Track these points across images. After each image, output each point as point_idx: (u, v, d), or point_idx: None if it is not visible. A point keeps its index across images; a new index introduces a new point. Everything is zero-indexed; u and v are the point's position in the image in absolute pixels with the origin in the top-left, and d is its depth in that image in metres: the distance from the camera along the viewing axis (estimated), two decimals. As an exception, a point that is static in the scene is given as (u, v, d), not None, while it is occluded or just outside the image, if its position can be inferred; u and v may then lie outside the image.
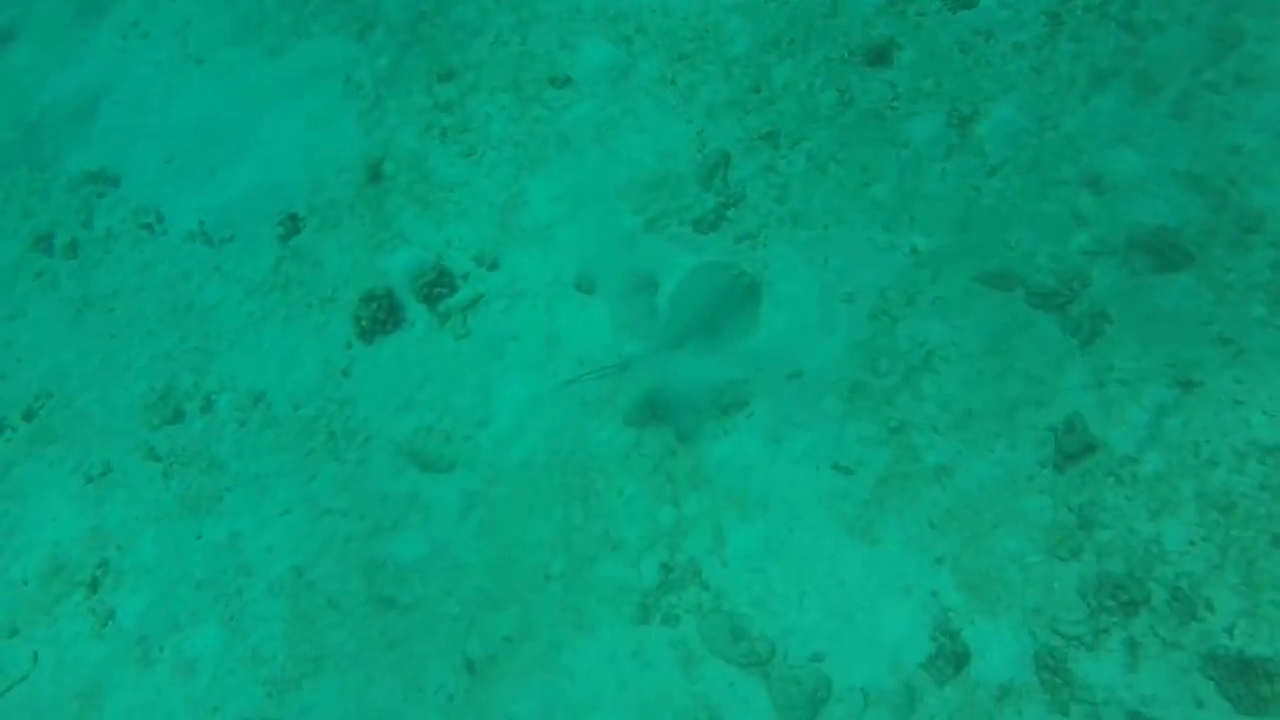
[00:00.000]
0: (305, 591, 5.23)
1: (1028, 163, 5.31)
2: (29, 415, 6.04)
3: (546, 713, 4.76)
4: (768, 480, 4.96)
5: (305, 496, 5.43)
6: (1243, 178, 5.08)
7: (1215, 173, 5.09)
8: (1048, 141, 5.34)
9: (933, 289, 5.14)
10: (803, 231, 5.42)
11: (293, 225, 6.12)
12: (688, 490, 5.01)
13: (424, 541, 5.18)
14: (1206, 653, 4.27)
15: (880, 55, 5.80)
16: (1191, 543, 4.44)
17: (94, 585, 5.50)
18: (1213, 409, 4.64)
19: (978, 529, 4.66)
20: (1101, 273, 4.99)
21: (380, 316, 5.65)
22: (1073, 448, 4.68)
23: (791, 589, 4.74)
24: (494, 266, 5.72)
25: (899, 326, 5.10)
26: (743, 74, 5.90)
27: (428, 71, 6.38)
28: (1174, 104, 5.33)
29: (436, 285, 5.66)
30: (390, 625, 5.06)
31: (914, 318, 5.10)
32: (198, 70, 6.86)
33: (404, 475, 5.36)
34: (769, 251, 5.42)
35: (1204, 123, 5.26)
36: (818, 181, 5.52)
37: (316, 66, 6.60)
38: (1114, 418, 4.71)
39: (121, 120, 6.81)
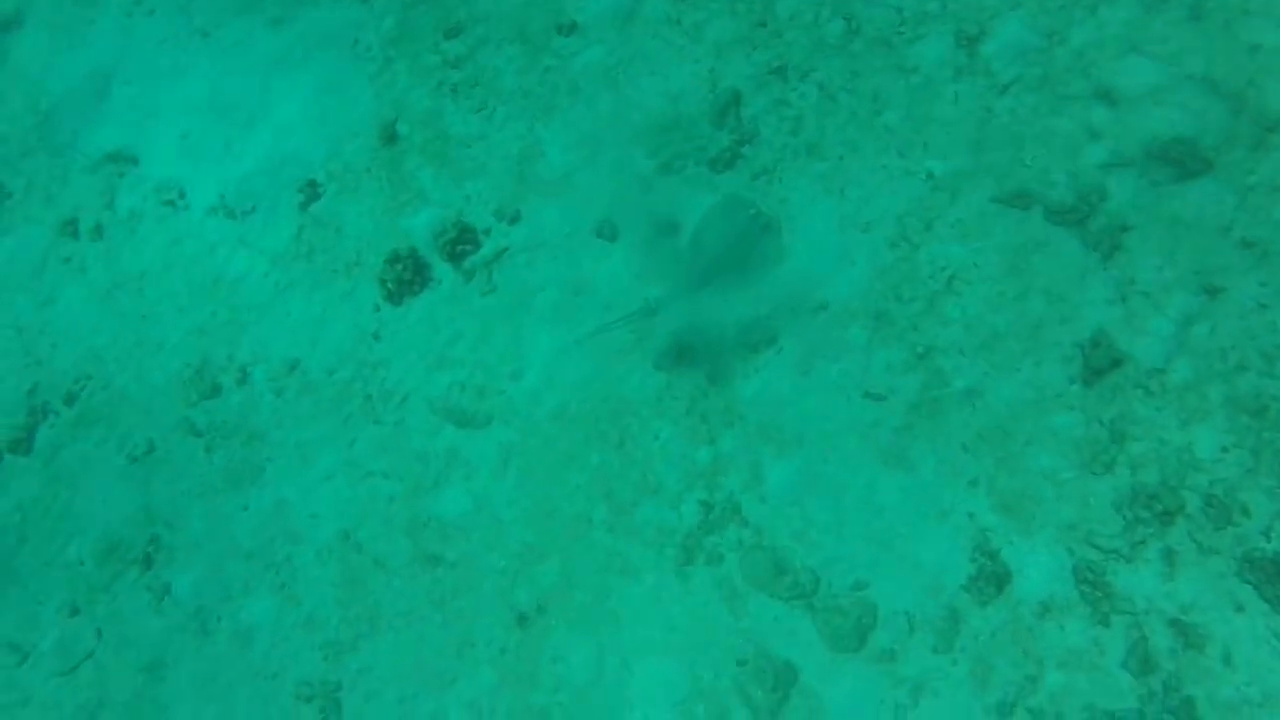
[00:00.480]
0: (353, 554, 5.33)
1: (1038, 79, 5.21)
2: (70, 399, 6.16)
3: (597, 659, 4.84)
4: (800, 414, 4.98)
5: (346, 460, 5.51)
6: (1262, 77, 4.94)
7: (1233, 75, 4.95)
8: (1057, 57, 5.23)
9: (951, 212, 5.09)
10: (818, 163, 5.38)
11: (312, 192, 6.15)
12: (722, 429, 5.05)
13: (465, 497, 5.26)
14: (1244, 557, 4.27)
15: (885, -20, 5.75)
16: (1224, 449, 4.42)
17: (148, 561, 5.63)
18: (1238, 314, 4.59)
19: (1010, 449, 4.66)
20: (1119, 185, 4.91)
21: (406, 277, 5.68)
22: (1100, 362, 4.65)
23: (830, 520, 4.79)
24: (515, 220, 5.73)
25: (919, 252, 5.07)
26: (748, 9, 5.82)
27: (434, 28, 6.36)
28: (1188, 6, 5.17)
29: (459, 242, 5.67)
30: (438, 582, 5.16)
31: (934, 242, 5.07)
32: (204, 44, 6.87)
33: (441, 433, 5.43)
34: (785, 186, 5.39)
35: (1220, 23, 5.10)
36: (830, 112, 5.46)
37: (322, 32, 6.59)
38: (1139, 330, 4.67)
39: (134, 99, 6.84)
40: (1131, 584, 4.39)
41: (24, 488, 6.04)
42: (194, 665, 5.38)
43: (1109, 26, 5.20)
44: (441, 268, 5.74)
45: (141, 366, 6.07)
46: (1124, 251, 4.80)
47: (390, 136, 6.13)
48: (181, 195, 6.44)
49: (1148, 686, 4.29)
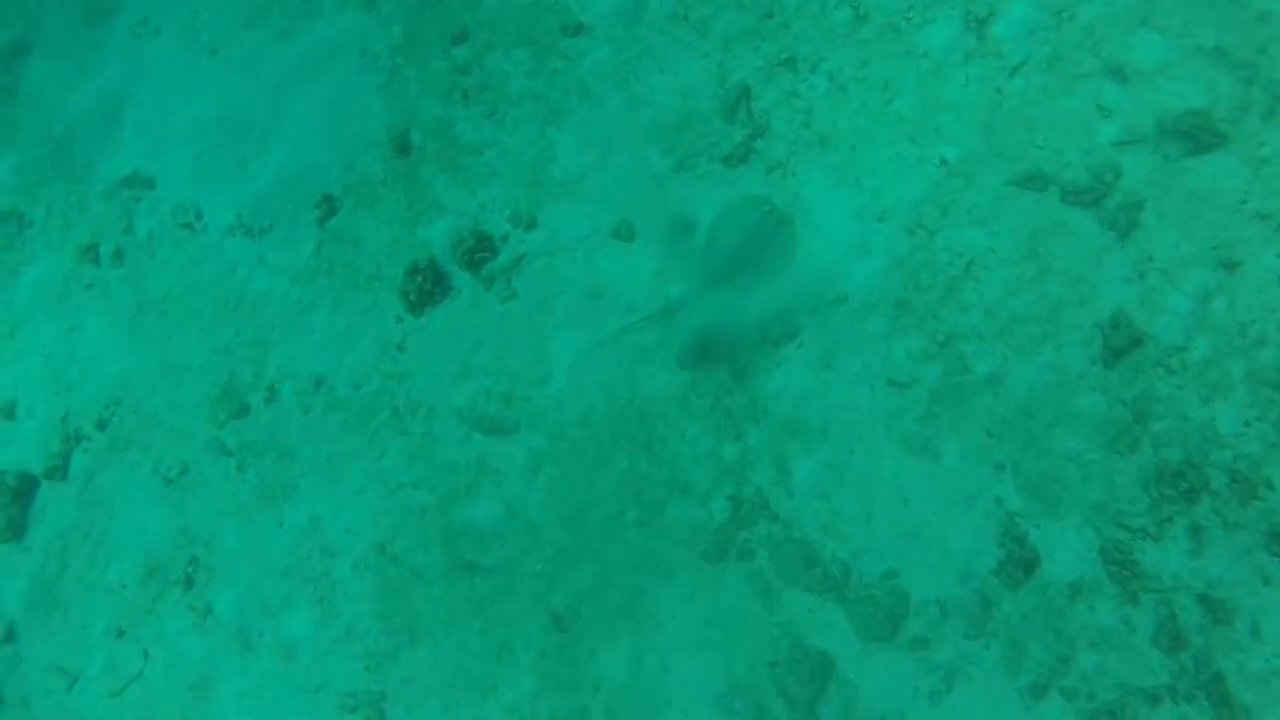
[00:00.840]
0: (390, 566, 5.69)
1: (1048, 59, 5.45)
2: (102, 424, 6.52)
3: (635, 658, 5.20)
4: (824, 406, 5.29)
5: (377, 474, 5.86)
6: (1273, 46, 5.15)
7: (1243, 44, 5.17)
8: (1066, 34, 5.45)
9: (966, 198, 5.35)
10: (831, 154, 5.64)
11: (329, 207, 6.44)
12: (747, 425, 5.37)
13: (497, 504, 5.60)
14: (1269, 530, 4.58)
15: (890, -37, 6.00)
16: (1246, 424, 4.71)
17: (188, 582, 6.01)
18: (1256, 287, 4.85)
19: (1034, 432, 4.97)
20: (1133, 162, 5.16)
21: (427, 288, 5.99)
22: (1120, 342, 4.93)
23: (859, 511, 5.11)
24: (531, 225, 6.02)
25: (936, 239, 5.34)
26: (754, 2, 6.05)
27: (441, 35, 6.61)
28: (1196, -24, 5.47)
29: (477, 250, 5.98)
30: (475, 589, 5.51)
31: (950, 229, 5.34)
32: (213, 62, 7.16)
33: (470, 442, 5.76)
34: (800, 179, 5.65)
35: (1228, -9, 5.39)
36: (841, 103, 5.72)
37: (330, 44, 6.86)
38: (1158, 307, 4.94)
39: (147, 121, 7.15)
40: (1159, 562, 4.71)
41: (62, 514, 6.43)
42: (239, 682, 5.78)
43: (1117, 1, 5.42)
44: (461, 276, 6.04)
45: (170, 389, 6.42)
46: (1141, 229, 5.06)
47: (403, 146, 6.41)
48: (199, 216, 6.75)
49: (1178, 662, 4.63)
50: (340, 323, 6.21)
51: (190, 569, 6.05)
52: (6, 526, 6.41)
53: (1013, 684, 4.76)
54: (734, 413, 5.39)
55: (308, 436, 6.05)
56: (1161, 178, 5.10)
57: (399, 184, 6.38)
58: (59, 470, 6.47)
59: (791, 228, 5.51)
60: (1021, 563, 4.84)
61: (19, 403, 6.77)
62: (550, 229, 5.99)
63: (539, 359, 5.77)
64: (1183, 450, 4.75)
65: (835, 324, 5.37)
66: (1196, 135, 5.09)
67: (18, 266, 7.13)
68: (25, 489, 6.48)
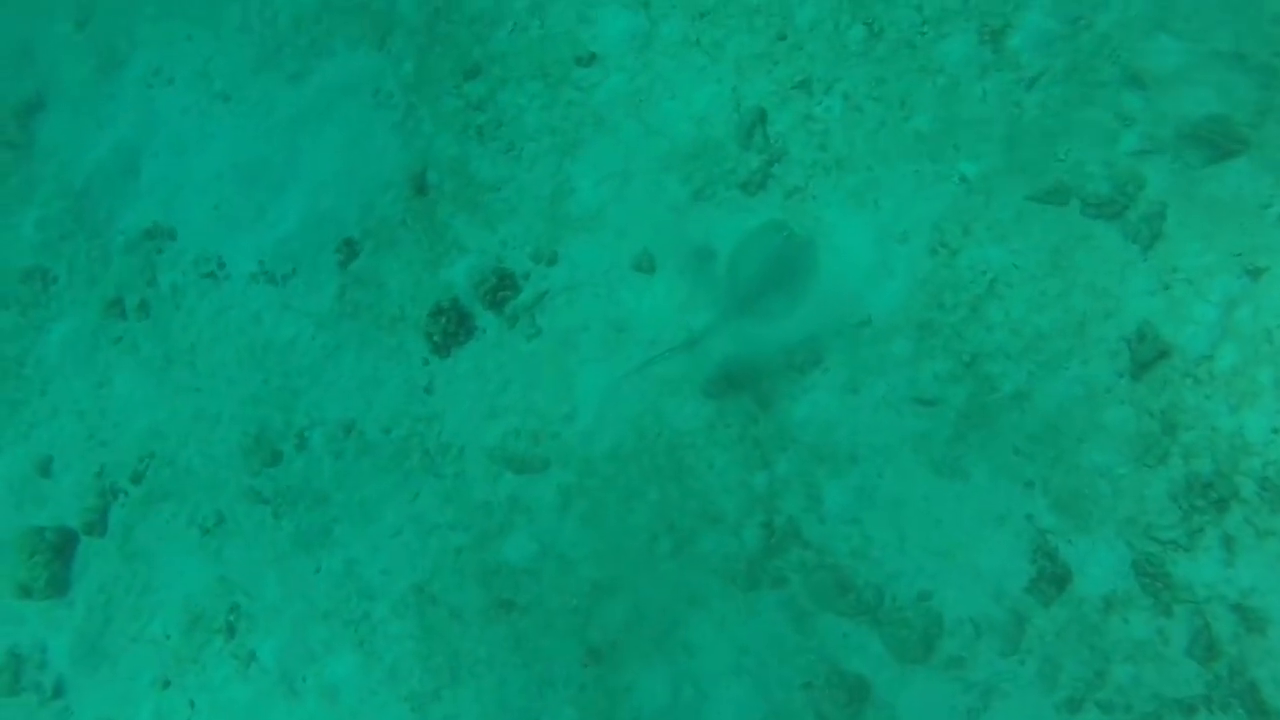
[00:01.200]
0: (428, 606, 6.13)
1: (1065, 69, 5.75)
2: (137, 477, 6.99)
3: (673, 689, 5.62)
4: (852, 431, 5.67)
5: (411, 515, 6.30)
6: (1291, 47, 5.46)
7: (1261, 47, 5.43)
8: (1083, 44, 5.75)
9: (987, 214, 5.68)
10: (849, 177, 5.98)
11: (350, 250, 6.83)
12: (776, 453, 5.75)
13: (531, 541, 6.02)
14: (1301, 537, 4.93)
15: (902, -22, 6.29)
16: (1275, 430, 5.02)
17: (230, 630, 6.49)
18: (1281, 293, 5.18)
19: (1063, 448, 5.32)
20: (1155, 172, 5.46)
21: (451, 329, 6.40)
22: (1146, 355, 5.24)
23: (890, 535, 5.49)
24: (552, 261, 6.38)
25: (958, 258, 5.67)
26: (766, 23, 6.36)
27: (453, 70, 6.94)
28: (1213, -21, 5.72)
29: (500, 289, 6.37)
30: (513, 626, 5.94)
31: (972, 247, 5.66)
32: (226, 108, 7.54)
33: (501, 480, 6.18)
34: (819, 203, 6.00)
35: (1244, -6, 5.64)
36: (857, 123, 6.05)
37: (342, 83, 7.22)
38: (1183, 318, 5.25)
39: (164, 172, 7.55)
40: (1191, 573, 5.06)
41: (104, 568, 6.94)
42: (286, 727, 6.33)
43: (1133, 6, 5.72)
44: (485, 316, 6.44)
45: (202, 439, 6.90)
46: (1164, 239, 5.38)
47: (421, 186, 6.79)
48: (221, 265, 7.17)
49: (1213, 672, 4.98)
50: (367, 367, 6.64)
51: (231, 617, 6.52)
52: (49, 583, 6.91)
53: (1049, 699, 5.13)
54: (762, 441, 5.78)
55: (340, 482, 6.50)
56: (1183, 186, 5.41)
57: (418, 224, 6.76)
58: (97, 525, 6.99)
59: (812, 252, 5.89)
60: (1054, 579, 5.21)
61: (54, 459, 7.27)
62: (571, 264, 6.37)
63: (566, 395, 6.18)
64: (1212, 460, 5.08)
65: (859, 348, 5.74)
66: (1217, 141, 5.38)
67: (45, 324, 7.60)
68: (66, 545, 7.01)
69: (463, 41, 6.97)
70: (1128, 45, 5.66)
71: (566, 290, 6.34)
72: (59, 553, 6.92)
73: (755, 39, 6.36)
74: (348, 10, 7.34)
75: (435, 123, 6.91)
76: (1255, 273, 5.18)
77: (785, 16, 6.34)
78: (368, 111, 7.11)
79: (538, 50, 6.79)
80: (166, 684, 6.53)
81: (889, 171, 5.91)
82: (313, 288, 6.90)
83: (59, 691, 6.81)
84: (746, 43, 6.37)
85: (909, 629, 5.34)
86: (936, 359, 5.58)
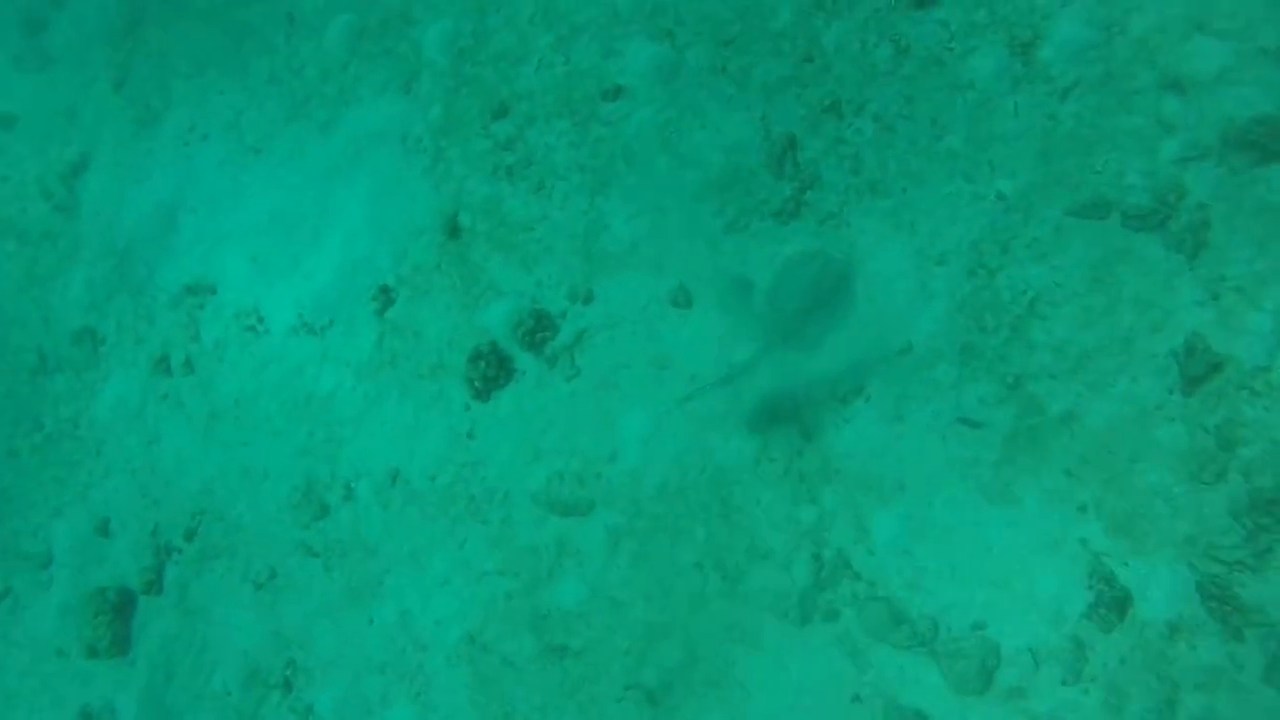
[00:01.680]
0: (481, 655, 6.09)
1: (1100, 78, 5.58)
2: (190, 535, 7.04)
3: (731, 731, 5.55)
4: (898, 459, 5.54)
5: (460, 563, 6.26)
6: (1340, 39, 5.24)
7: None
8: (1118, 50, 5.58)
9: (1026, 232, 5.53)
10: (883, 200, 5.86)
11: (386, 298, 6.81)
12: (822, 485, 5.64)
13: (580, 585, 5.96)
14: (1374, 552, 4.72)
15: (926, -5, 6.17)
16: (1339, 441, 4.85)
17: (288, 685, 6.51)
18: (1338, 298, 4.97)
19: (1115, 469, 5.15)
20: (1198, 179, 5.28)
21: (490, 373, 6.35)
22: (1197, 369, 5.07)
23: (942, 564, 5.36)
24: (588, 300, 6.32)
25: (998, 278, 5.53)
26: (792, 47, 6.26)
27: (481, 112, 6.90)
28: (1252, -25, 5.52)
29: (538, 330, 6.32)
30: (567, 671, 5.88)
31: (1012, 266, 5.52)
32: (259, 161, 7.57)
33: (547, 524, 6.12)
34: (854, 229, 5.89)
35: (1287, -12, 5.43)
36: (889, 144, 5.93)
37: (370, 130, 7.21)
38: (1236, 328, 5.07)
39: (201, 227, 7.60)
40: (1261, 594, 4.86)
41: (163, 626, 6.99)
42: (347, 780, 6.31)
43: (1170, 7, 5.53)
44: (524, 358, 6.39)
45: (251, 494, 6.92)
46: (1210, 248, 5.20)
47: (454, 230, 6.75)
48: (260, 320, 7.19)
49: (1294, 699, 4.81)
50: (408, 414, 6.61)
51: (288, 672, 6.54)
52: (113, 643, 6.99)
53: (1117, 731, 4.99)
54: (807, 475, 5.67)
55: (388, 532, 6.48)
56: (1229, 192, 5.22)
57: (453, 268, 6.72)
58: (154, 584, 7.04)
59: (850, 279, 5.79)
60: (1113, 604, 5.03)
61: (111, 519, 7.33)
62: (608, 301, 6.30)
63: (609, 435, 6.11)
64: (1275, 475, 4.88)
65: (902, 374, 5.62)
66: (1264, 144, 5.19)
67: (96, 385, 7.69)
68: (125, 604, 7.08)
69: (489, 81, 6.92)
70: (1165, 49, 5.47)
71: (604, 328, 6.26)
72: (119, 612, 6.99)
73: (782, 62, 6.25)
74: (373, 57, 7.31)
75: (465, 164, 6.85)
76: (1310, 277, 5.02)
77: (812, 39, 6.21)
78: (398, 157, 7.07)
79: (564, 86, 6.72)
80: (229, 740, 6.66)
81: (924, 193, 5.78)
82: (351, 337, 6.89)
83: (129, 752, 6.95)
84: (773, 68, 6.26)
85: (966, 660, 5.19)
86: (980, 382, 5.44)
